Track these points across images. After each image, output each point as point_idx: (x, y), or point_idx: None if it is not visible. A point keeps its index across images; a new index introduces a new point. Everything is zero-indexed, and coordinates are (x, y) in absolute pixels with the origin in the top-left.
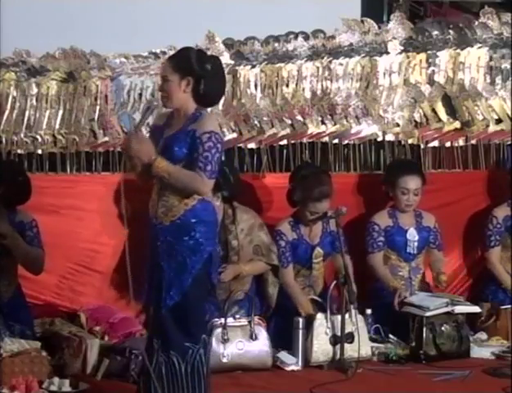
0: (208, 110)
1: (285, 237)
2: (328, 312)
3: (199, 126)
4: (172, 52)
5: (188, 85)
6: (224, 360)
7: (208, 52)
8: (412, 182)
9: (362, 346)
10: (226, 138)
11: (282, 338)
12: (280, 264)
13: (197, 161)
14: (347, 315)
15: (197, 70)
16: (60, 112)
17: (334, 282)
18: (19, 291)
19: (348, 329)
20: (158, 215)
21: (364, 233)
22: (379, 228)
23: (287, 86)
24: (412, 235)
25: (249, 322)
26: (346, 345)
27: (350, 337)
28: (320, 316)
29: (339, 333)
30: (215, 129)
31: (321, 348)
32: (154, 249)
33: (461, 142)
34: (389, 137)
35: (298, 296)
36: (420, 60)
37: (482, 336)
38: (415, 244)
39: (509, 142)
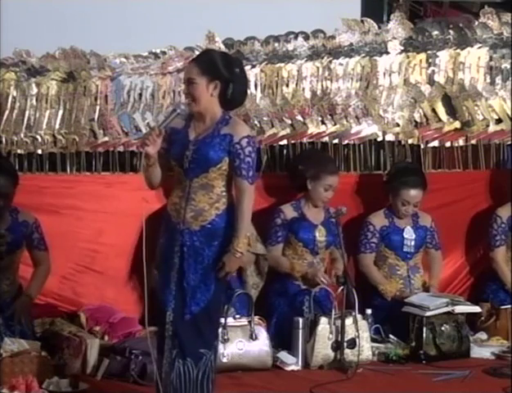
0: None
1: (283, 216)
2: (332, 316)
3: (234, 131)
4: (172, 52)
5: (215, 88)
6: (224, 360)
7: None
8: (414, 196)
9: (363, 352)
10: None
11: (282, 338)
12: (268, 241)
13: (240, 169)
14: (351, 321)
15: (226, 74)
16: (60, 112)
17: (342, 287)
18: (20, 292)
19: (351, 335)
20: (186, 220)
21: None
22: (373, 229)
23: (287, 86)
24: (409, 234)
25: (249, 322)
26: (347, 351)
27: (352, 343)
28: (323, 320)
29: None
30: (250, 133)
31: (322, 353)
32: (176, 253)
33: (461, 142)
34: (389, 137)
35: (287, 263)
36: (420, 61)
37: (482, 336)
38: (412, 243)
39: (509, 142)
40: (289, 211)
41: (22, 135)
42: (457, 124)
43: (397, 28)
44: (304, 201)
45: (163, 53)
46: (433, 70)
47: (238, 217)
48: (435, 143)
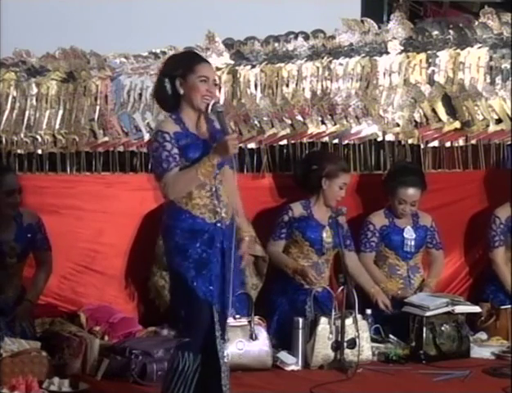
0: None
1: (291, 213)
2: (332, 316)
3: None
4: (172, 52)
5: None
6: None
7: (208, 52)
8: (411, 195)
9: (363, 352)
10: None
11: (282, 338)
12: (271, 236)
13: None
14: (351, 321)
15: None
16: (60, 112)
17: (341, 287)
18: (23, 294)
19: (351, 335)
20: (223, 217)
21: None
22: (373, 228)
23: (287, 86)
24: (409, 233)
25: (249, 322)
26: (347, 351)
27: (352, 343)
28: (323, 320)
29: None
30: None
31: (322, 353)
32: (218, 253)
33: (461, 142)
34: (389, 137)
35: (285, 259)
36: (420, 61)
37: (482, 336)
38: (412, 243)
39: (509, 142)
40: (297, 209)
41: (22, 135)
42: (457, 124)
43: (397, 28)
44: (314, 200)
45: (163, 53)
46: (433, 70)
47: (236, 200)
48: (435, 143)
